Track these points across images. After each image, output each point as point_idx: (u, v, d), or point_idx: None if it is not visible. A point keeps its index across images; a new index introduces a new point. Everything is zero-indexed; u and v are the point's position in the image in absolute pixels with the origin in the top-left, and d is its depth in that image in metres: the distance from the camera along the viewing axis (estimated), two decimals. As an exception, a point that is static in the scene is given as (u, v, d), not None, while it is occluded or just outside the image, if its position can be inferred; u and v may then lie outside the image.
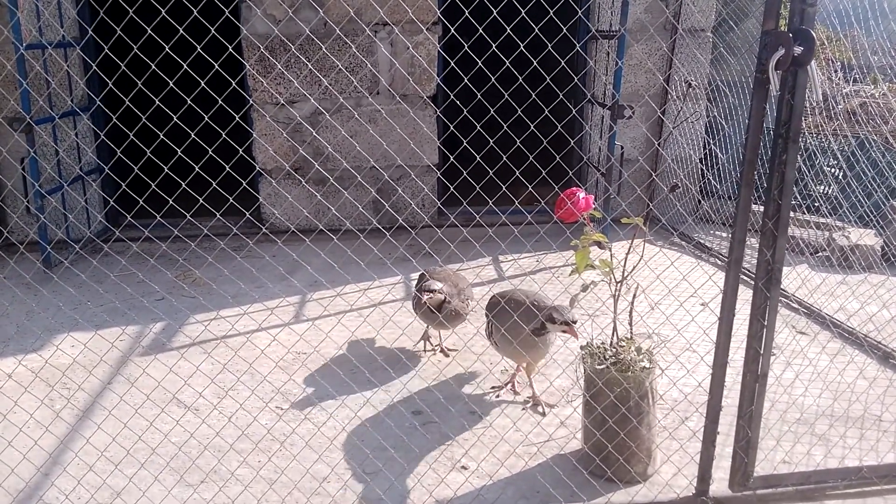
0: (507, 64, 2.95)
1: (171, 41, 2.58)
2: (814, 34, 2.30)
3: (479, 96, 2.80)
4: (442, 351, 4.04)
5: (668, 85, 6.41)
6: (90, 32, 3.23)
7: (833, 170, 6.24)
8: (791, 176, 2.47)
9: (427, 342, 4.11)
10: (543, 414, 3.44)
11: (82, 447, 3.06)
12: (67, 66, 5.76)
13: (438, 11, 6.12)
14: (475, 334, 4.22)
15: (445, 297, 3.68)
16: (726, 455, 2.79)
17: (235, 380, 3.50)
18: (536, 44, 3.10)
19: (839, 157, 6.06)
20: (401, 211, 6.23)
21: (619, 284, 2.90)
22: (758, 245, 2.54)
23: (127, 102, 2.42)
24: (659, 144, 6.38)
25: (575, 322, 3.17)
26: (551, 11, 3.05)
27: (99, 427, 3.08)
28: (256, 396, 3.51)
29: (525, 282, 5.12)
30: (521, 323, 3.18)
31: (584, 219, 2.85)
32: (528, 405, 3.52)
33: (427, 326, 4.03)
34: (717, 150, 6.31)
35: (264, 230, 3.62)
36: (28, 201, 5.78)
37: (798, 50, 2.30)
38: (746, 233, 2.53)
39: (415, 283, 4.18)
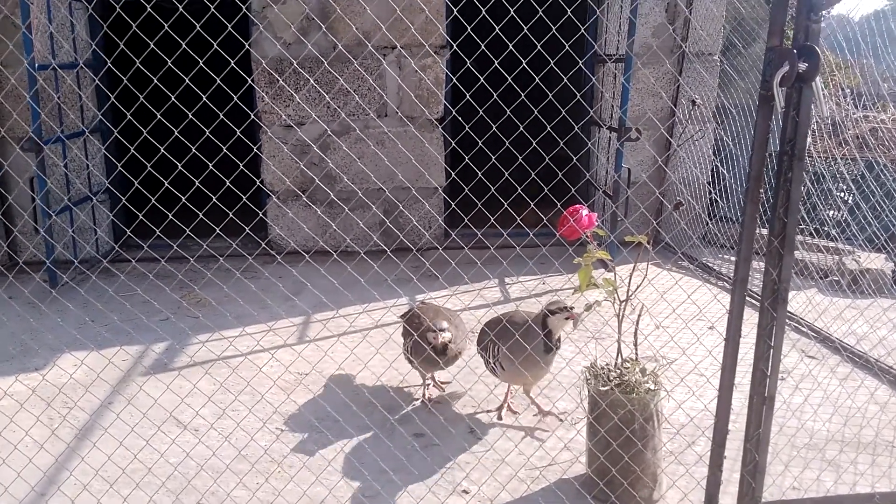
0: (509, 80, 2.94)
1: (181, 64, 2.59)
2: (818, 50, 2.27)
3: (480, 113, 2.79)
4: (435, 385, 3.89)
5: (675, 107, 6.41)
6: (94, 47, 3.25)
7: (843, 194, 6.20)
8: (797, 194, 2.43)
9: (423, 380, 3.85)
10: (561, 420, 3.38)
11: (77, 466, 3.02)
12: (79, 87, 5.83)
13: (446, 35, 6.16)
14: (474, 356, 4.16)
15: (451, 339, 3.44)
16: (734, 480, 2.71)
17: (235, 400, 3.46)
18: (545, 67, 3.10)
19: (848, 180, 6.01)
20: (407, 232, 6.21)
21: (623, 304, 2.85)
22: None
23: (129, 119, 2.42)
24: (664, 164, 6.36)
25: (572, 308, 3.12)
26: (553, 29, 3.05)
27: (95, 446, 3.05)
28: (255, 416, 3.47)
29: (527, 303, 5.08)
30: (524, 342, 3.14)
31: (588, 236, 2.82)
32: (539, 420, 3.46)
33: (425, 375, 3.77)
34: (726, 173, 6.27)
35: (267, 250, 3.60)
36: (36, 221, 5.81)
37: (803, 66, 2.27)
38: (752, 251, 2.48)
39: (405, 321, 3.84)
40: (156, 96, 3.05)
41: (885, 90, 6.62)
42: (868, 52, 5.43)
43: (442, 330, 3.41)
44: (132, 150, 2.48)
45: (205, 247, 3.12)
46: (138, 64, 2.37)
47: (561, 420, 3.39)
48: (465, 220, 2.86)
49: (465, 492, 2.98)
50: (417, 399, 3.78)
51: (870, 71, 5.90)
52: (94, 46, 3.45)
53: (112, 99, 2.41)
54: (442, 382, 3.92)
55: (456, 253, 5.68)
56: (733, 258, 5.95)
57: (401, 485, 2.99)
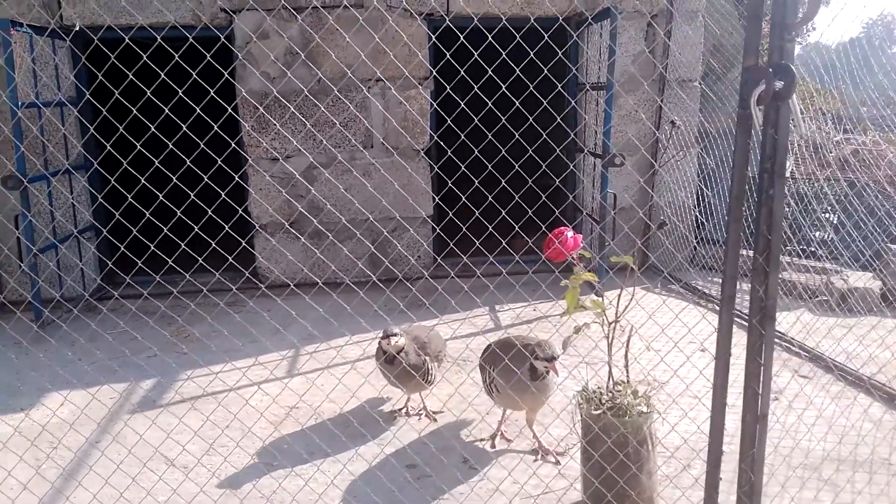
0: (489, 104, 2.96)
1: (164, 97, 2.59)
2: (793, 69, 2.30)
3: (462, 137, 2.80)
4: (427, 416, 3.86)
5: (657, 131, 6.47)
6: (74, 81, 3.25)
7: (827, 214, 6.25)
8: (779, 211, 2.44)
9: (406, 406, 3.94)
10: (558, 462, 3.33)
11: (61, 506, 2.95)
12: (63, 124, 5.82)
13: (430, 67, 6.22)
14: (465, 380, 4.12)
15: (402, 349, 3.51)
16: (731, 503, 2.68)
17: (222, 434, 3.40)
18: (530, 96, 3.12)
19: (832, 200, 6.07)
20: (396, 262, 6.20)
21: (612, 326, 2.84)
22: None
23: (110, 151, 2.41)
24: (645, 184, 6.40)
25: (556, 358, 3.09)
26: (531, 53, 3.08)
27: (80, 485, 2.98)
28: (243, 451, 3.41)
29: (518, 329, 5.05)
30: (513, 367, 3.11)
31: (573, 258, 2.82)
32: (538, 457, 3.40)
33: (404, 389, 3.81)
34: (712, 197, 6.32)
35: (255, 282, 3.57)
36: (20, 258, 5.76)
37: (779, 84, 2.30)
38: (738, 269, 2.49)
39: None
40: (145, 131, 3.05)
41: (864, 113, 6.72)
42: (846, 78, 5.53)
43: (391, 335, 3.50)
44: (112, 182, 2.47)
45: (188, 277, 3.08)
46: (117, 95, 2.36)
47: (559, 462, 3.35)
48: (451, 244, 2.85)
49: (459, 522, 2.93)
50: (398, 413, 3.89)
51: (848, 95, 5.99)
52: (73, 80, 3.46)
53: (92, 130, 2.40)
54: (434, 412, 3.87)
55: (444, 280, 5.67)
56: (719, 279, 5.96)
57: (393, 517, 2.94)
